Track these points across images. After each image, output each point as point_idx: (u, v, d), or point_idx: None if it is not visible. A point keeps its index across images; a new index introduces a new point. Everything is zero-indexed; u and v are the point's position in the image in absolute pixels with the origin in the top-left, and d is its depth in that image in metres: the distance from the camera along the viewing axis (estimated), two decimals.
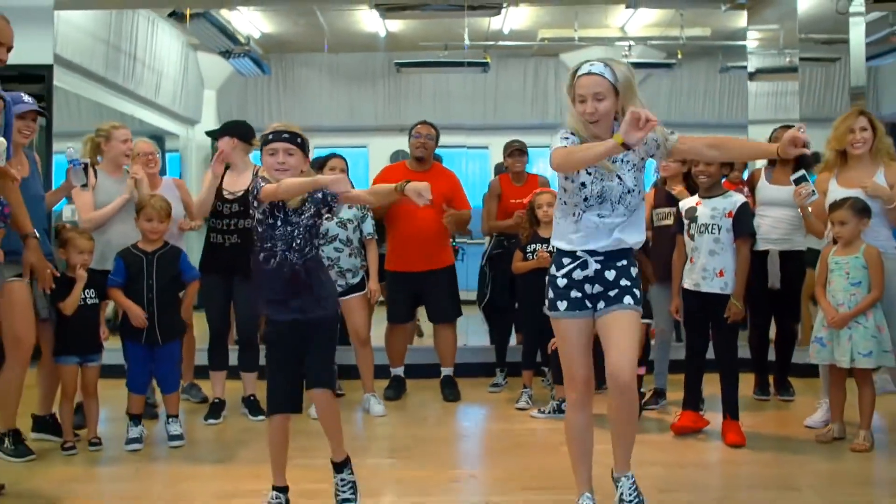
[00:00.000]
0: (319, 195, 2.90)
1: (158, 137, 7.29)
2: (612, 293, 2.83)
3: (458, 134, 8.22)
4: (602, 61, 2.72)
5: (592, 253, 2.83)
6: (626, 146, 2.54)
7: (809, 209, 4.09)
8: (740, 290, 3.91)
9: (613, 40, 8.85)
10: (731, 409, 3.92)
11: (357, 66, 9.11)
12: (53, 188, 4.59)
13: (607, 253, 2.83)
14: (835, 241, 3.87)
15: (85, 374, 3.87)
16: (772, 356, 4.87)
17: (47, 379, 3.96)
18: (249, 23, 7.67)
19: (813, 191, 3.89)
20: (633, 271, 2.87)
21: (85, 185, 3.98)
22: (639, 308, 2.86)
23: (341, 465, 3.08)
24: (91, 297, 3.87)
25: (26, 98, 3.84)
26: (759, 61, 7.12)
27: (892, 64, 7.40)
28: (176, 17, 6.84)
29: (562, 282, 2.87)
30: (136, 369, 3.94)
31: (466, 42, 8.20)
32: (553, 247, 2.96)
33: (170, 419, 4.01)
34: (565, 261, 2.87)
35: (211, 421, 4.37)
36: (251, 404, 4.48)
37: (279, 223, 2.90)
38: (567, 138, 2.77)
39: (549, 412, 4.40)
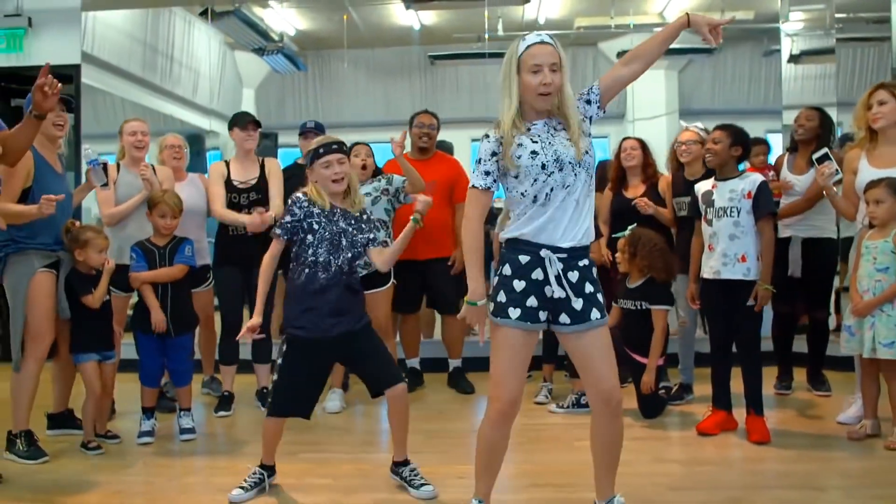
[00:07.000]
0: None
1: (198, 136, 7.36)
2: (577, 305, 2.48)
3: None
4: (546, 34, 2.48)
5: (556, 249, 2.46)
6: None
7: (835, 189, 3.85)
8: (767, 272, 3.68)
9: (652, 27, 8.61)
10: (755, 405, 3.71)
11: (392, 61, 9.07)
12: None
13: (571, 249, 2.47)
14: (871, 226, 3.63)
15: (103, 371, 3.83)
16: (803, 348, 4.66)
17: (63, 376, 3.94)
18: (284, 20, 7.71)
19: (837, 170, 3.68)
20: (594, 270, 2.55)
21: (105, 185, 3.96)
22: (606, 319, 2.55)
23: (402, 464, 3.20)
24: (113, 291, 3.89)
25: None
26: (797, 43, 6.81)
27: None
28: (206, 15, 6.90)
29: (519, 284, 2.46)
30: (148, 363, 3.94)
31: (500, 32, 8.07)
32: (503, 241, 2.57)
33: (182, 412, 4.01)
34: (522, 259, 2.48)
35: (222, 413, 4.37)
36: (263, 397, 4.46)
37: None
38: (488, 173, 2.48)
39: (568, 406, 4.26)
